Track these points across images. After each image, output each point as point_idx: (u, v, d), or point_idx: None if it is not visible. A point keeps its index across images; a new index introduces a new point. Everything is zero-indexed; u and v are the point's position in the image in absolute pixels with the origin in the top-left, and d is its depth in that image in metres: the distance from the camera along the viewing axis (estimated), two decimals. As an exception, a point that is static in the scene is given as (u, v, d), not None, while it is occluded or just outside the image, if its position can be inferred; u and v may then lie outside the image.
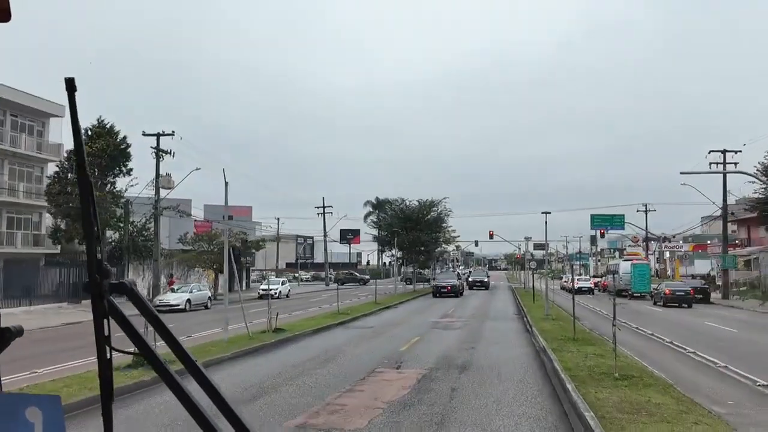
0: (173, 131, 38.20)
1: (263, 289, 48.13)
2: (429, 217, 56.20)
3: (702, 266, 70.50)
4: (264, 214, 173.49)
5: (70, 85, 1.23)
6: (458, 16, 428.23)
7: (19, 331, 1.29)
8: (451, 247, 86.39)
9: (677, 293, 39.23)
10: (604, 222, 61.16)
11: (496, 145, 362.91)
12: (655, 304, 40.98)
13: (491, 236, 69.05)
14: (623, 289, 49.35)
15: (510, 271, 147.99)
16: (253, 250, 49.63)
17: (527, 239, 61.40)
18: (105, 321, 1.26)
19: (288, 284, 51.70)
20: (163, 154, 38.20)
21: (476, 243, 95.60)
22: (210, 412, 1.26)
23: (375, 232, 58.52)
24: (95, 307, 1.25)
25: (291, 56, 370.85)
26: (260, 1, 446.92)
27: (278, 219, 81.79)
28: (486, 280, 64.79)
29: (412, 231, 53.84)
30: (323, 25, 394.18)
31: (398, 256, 55.44)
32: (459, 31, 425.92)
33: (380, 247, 56.66)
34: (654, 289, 43.86)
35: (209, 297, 37.33)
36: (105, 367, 1.27)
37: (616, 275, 51.53)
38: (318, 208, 75.95)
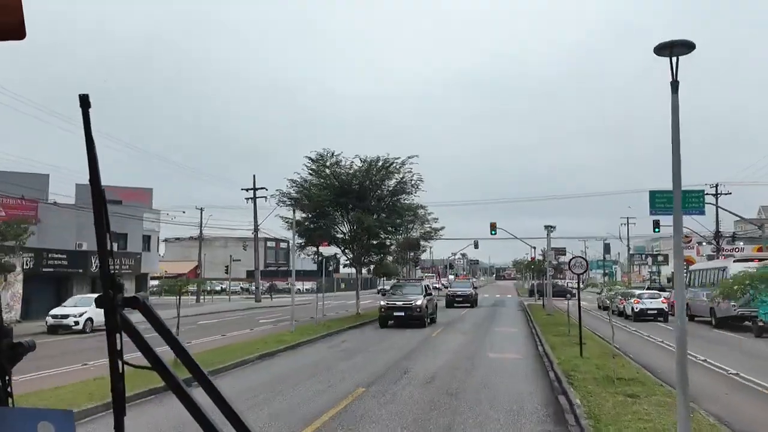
0: None
1: (54, 316, 26.28)
2: (383, 188, 33.16)
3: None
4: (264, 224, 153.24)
5: (84, 101, 1.23)
6: (466, 22, 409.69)
7: (31, 346, 1.29)
8: (446, 251, 62.77)
9: None
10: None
11: (503, 151, 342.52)
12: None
13: (493, 228, 46.51)
14: (734, 315, 26.77)
15: (519, 281, 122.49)
16: (12, 242, 27.19)
17: (549, 229, 38.88)
18: (118, 335, 1.23)
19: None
20: None
21: (476, 244, 72.94)
22: (220, 423, 1.23)
23: (295, 216, 32.07)
24: (108, 321, 1.22)
25: (292, 59, 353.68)
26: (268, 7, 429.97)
27: (202, 210, 59.65)
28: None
29: (353, 211, 31.07)
30: (326, 27, 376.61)
31: (322, 254, 31.58)
32: (466, 35, 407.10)
33: (294, 240, 30.64)
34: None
35: None
36: (117, 381, 1.25)
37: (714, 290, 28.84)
38: (247, 190, 53.62)
